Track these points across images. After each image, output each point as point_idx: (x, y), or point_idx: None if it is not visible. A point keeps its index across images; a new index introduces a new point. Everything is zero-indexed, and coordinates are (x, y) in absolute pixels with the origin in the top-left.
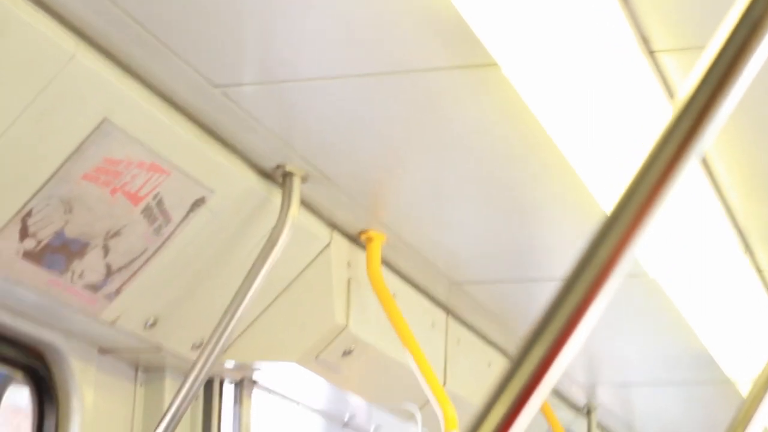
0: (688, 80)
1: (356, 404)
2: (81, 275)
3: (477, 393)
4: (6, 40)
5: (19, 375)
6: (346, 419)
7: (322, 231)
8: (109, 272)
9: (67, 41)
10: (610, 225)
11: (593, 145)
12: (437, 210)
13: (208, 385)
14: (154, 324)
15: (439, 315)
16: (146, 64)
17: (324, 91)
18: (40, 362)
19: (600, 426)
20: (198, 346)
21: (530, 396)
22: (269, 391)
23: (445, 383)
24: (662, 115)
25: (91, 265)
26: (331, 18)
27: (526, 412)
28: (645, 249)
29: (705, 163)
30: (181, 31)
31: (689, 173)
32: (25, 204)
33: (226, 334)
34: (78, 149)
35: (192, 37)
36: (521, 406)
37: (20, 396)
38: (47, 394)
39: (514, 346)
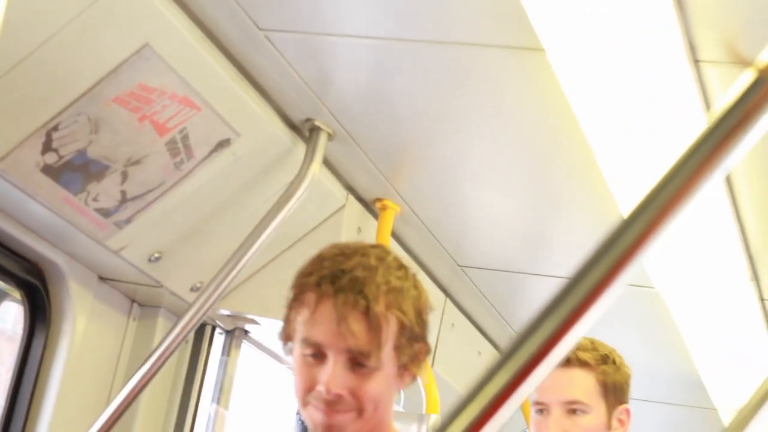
0: (726, 95)
1: None
2: (96, 198)
3: (463, 380)
4: None
5: (15, 292)
6: None
7: (339, 192)
8: (124, 200)
9: None
10: (623, 229)
11: (623, 146)
12: (454, 190)
13: (200, 329)
14: (158, 259)
15: (438, 296)
16: None
17: (366, 50)
18: (39, 280)
19: None
20: (196, 289)
21: (513, 392)
22: (258, 345)
23: (432, 365)
24: (696, 126)
25: (107, 189)
26: None
27: (507, 407)
28: (653, 260)
29: (728, 181)
30: None
31: (711, 188)
32: (54, 117)
33: (226, 281)
34: (114, 70)
35: None
36: (503, 400)
37: (4, 317)
38: (40, 314)
39: (507, 339)
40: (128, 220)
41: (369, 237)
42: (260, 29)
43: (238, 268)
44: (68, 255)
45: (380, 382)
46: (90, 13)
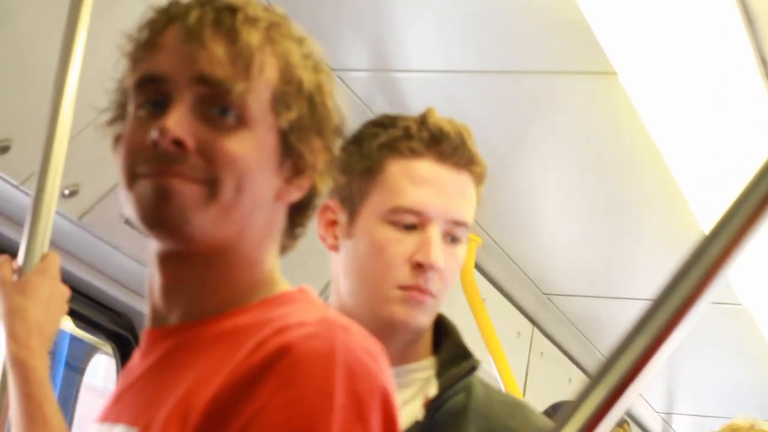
0: None
1: None
2: None
3: None
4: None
5: (105, 345)
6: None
7: None
8: None
9: None
10: (705, 246)
11: (700, 162)
12: (535, 218)
13: None
14: None
15: (526, 325)
16: None
17: (436, 84)
18: (129, 332)
19: None
20: None
21: (603, 418)
22: None
23: (524, 394)
24: None
25: None
26: (451, 12)
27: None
28: (739, 276)
29: None
30: (302, 9)
31: None
32: None
33: None
34: None
35: (313, 17)
36: (593, 427)
37: (96, 374)
38: None
39: (596, 364)
40: None
41: None
42: (332, 69)
43: None
44: None
45: (247, 145)
46: None
